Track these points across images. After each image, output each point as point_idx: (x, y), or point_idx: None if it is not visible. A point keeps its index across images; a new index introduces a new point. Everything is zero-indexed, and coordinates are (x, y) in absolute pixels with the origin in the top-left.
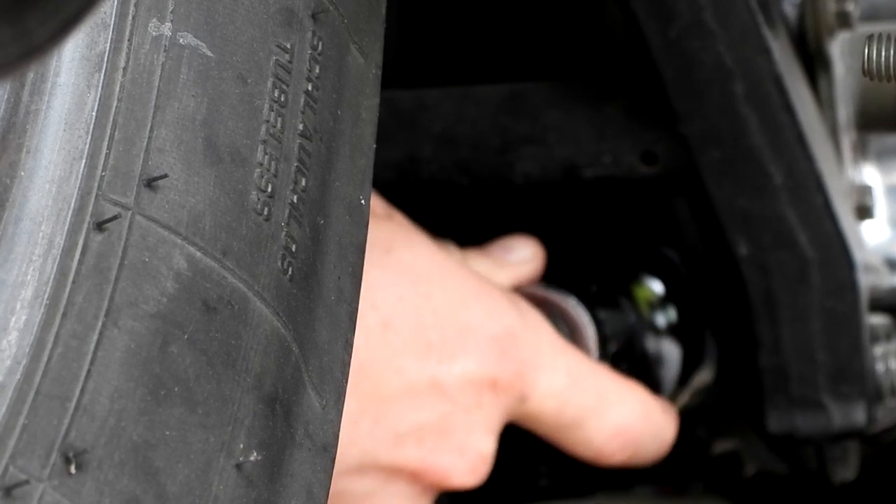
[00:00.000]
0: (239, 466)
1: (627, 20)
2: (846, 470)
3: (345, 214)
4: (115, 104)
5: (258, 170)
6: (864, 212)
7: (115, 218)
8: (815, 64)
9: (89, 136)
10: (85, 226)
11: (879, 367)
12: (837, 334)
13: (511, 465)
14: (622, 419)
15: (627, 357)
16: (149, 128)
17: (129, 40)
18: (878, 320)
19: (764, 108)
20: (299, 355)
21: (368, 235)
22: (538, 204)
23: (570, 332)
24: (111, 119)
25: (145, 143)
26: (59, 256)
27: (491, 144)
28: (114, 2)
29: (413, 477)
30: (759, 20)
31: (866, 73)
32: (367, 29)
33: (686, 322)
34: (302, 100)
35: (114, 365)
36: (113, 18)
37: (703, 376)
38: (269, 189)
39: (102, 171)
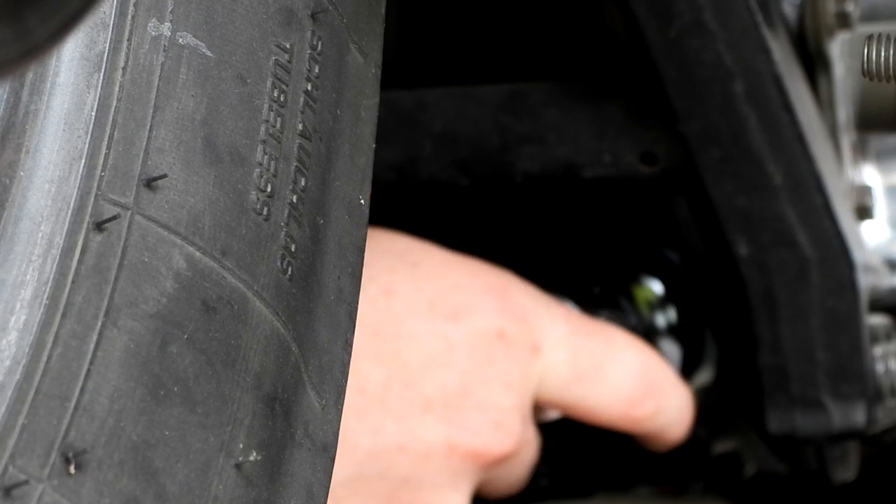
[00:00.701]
0: (238, 466)
1: (627, 20)
2: (846, 470)
3: (344, 214)
4: (114, 104)
5: (258, 170)
6: (863, 212)
7: (114, 218)
8: (814, 64)
9: (89, 136)
10: (84, 226)
11: (879, 367)
12: (837, 334)
13: None
14: (639, 360)
15: None
16: (148, 128)
17: (128, 40)
18: (878, 320)
19: (764, 108)
20: (299, 355)
21: None
22: (538, 204)
23: None
24: (110, 119)
25: (145, 143)
26: (58, 256)
27: (491, 144)
28: (113, 2)
29: (448, 449)
30: (758, 20)
31: (866, 73)
32: (366, 29)
33: (686, 322)
34: (301, 99)
35: (113, 365)
36: (112, 18)
37: (703, 376)
38: (269, 189)
39: (102, 171)
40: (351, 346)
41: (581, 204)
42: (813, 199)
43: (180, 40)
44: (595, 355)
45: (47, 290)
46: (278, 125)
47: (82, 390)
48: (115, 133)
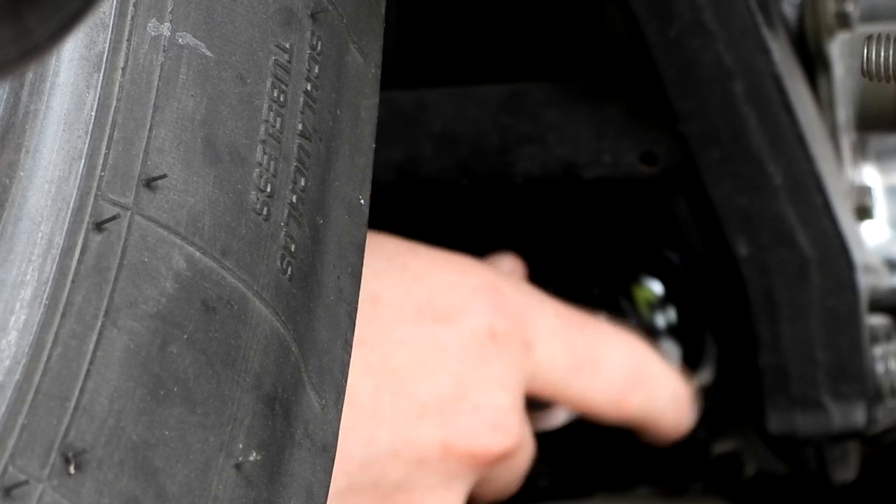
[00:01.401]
0: (238, 466)
1: (627, 20)
2: (846, 470)
3: (344, 214)
4: (114, 104)
5: (257, 170)
6: (863, 212)
7: (114, 218)
8: (814, 64)
9: (88, 136)
10: (84, 226)
11: (879, 367)
12: (837, 334)
13: None
14: (630, 352)
15: None
16: (148, 128)
17: (128, 40)
18: (878, 321)
19: (763, 108)
20: (299, 355)
21: None
22: (538, 204)
23: None
24: (110, 119)
25: (144, 143)
26: (58, 256)
27: (491, 144)
28: (113, 2)
29: (444, 453)
30: (758, 20)
31: (865, 73)
32: (366, 29)
33: (686, 322)
34: (301, 100)
35: (113, 365)
36: (112, 18)
37: (703, 376)
38: (269, 189)
39: (101, 171)
40: (351, 346)
41: (581, 204)
42: (813, 200)
43: (180, 40)
44: (587, 348)
45: (47, 290)
46: (278, 125)
47: (82, 390)
48: (115, 133)
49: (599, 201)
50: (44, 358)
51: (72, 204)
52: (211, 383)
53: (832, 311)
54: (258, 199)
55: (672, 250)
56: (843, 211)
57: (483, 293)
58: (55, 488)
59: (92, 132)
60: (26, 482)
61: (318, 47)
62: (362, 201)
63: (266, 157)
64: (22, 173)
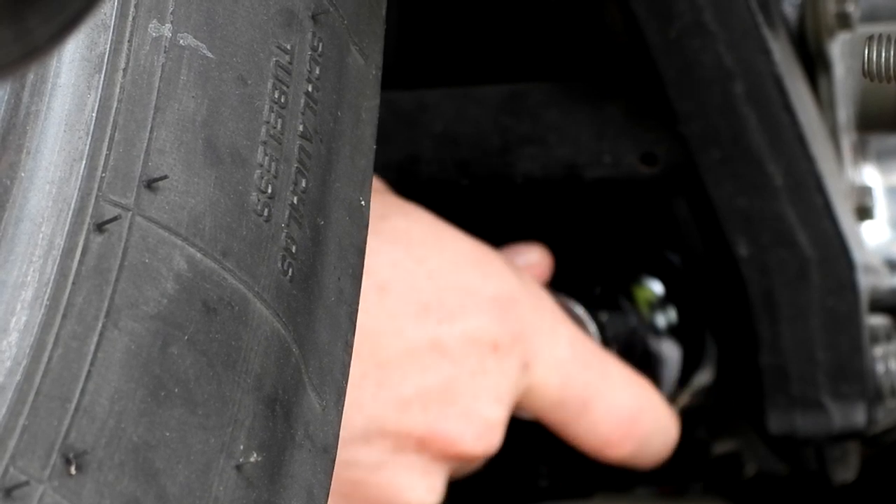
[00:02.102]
0: (239, 467)
1: (627, 20)
2: (846, 470)
3: (345, 215)
4: (115, 105)
5: (258, 171)
6: (864, 212)
7: (115, 219)
8: (815, 64)
9: (89, 138)
10: (85, 227)
11: (879, 367)
12: (837, 334)
13: (511, 465)
14: (629, 404)
15: (628, 359)
16: (149, 129)
17: (129, 41)
18: (878, 321)
19: (764, 109)
20: (299, 356)
21: None
22: (538, 205)
23: None
24: (111, 120)
25: (145, 145)
26: (59, 257)
27: (491, 145)
28: (114, 3)
29: (420, 444)
30: (759, 20)
31: (866, 73)
32: (367, 30)
33: (686, 322)
34: (302, 101)
35: (114, 366)
36: (113, 19)
37: (703, 376)
38: (270, 190)
39: (102, 173)
40: (351, 348)
41: (581, 204)
42: (813, 200)
43: (181, 41)
44: (584, 388)
45: (48, 291)
46: (279, 126)
47: (83, 391)
48: (116, 134)
49: (600, 202)
50: (45, 359)
51: (73, 205)
52: (212, 384)
53: (832, 312)
54: (259, 200)
55: (672, 251)
56: (844, 211)
57: (497, 304)
58: (56, 489)
59: (93, 133)
60: (27, 483)
61: (319, 48)
62: (363, 202)
63: (267, 158)
64: (23, 174)
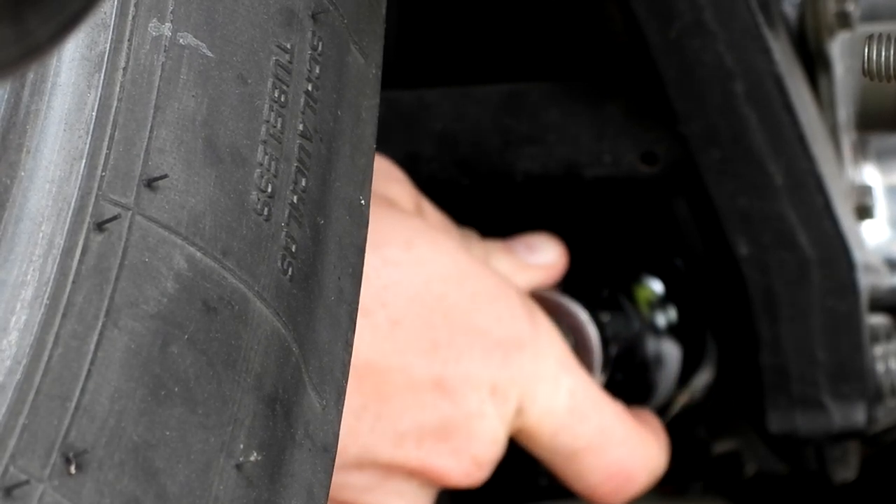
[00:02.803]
0: (239, 467)
1: (627, 20)
2: (846, 470)
3: (345, 215)
4: (115, 104)
5: (258, 170)
6: (864, 212)
7: (115, 218)
8: (815, 64)
9: (89, 137)
10: (85, 226)
11: (879, 367)
12: (837, 334)
13: (511, 465)
14: (623, 461)
15: (628, 359)
16: (149, 128)
17: (129, 40)
18: (878, 320)
19: (764, 108)
20: (299, 355)
21: (391, 229)
22: (538, 204)
23: (576, 342)
24: (111, 119)
25: (145, 144)
26: (59, 257)
27: (491, 144)
28: (114, 2)
29: (410, 474)
30: (759, 20)
31: (866, 73)
32: (367, 29)
33: (686, 322)
34: (302, 100)
35: (114, 365)
36: (113, 18)
37: (704, 376)
38: (270, 189)
39: (102, 172)
40: (351, 347)
41: (581, 204)
42: (813, 200)
43: (181, 41)
44: (577, 440)
45: (48, 290)
46: (279, 125)
47: (83, 390)
48: (116, 133)
49: (600, 201)
50: (45, 358)
51: (73, 204)
52: (212, 384)
53: (832, 311)
54: (259, 199)
55: (673, 250)
56: (844, 211)
57: (501, 349)
58: (56, 488)
59: (93, 132)
60: (27, 482)
61: (319, 48)
62: (363, 202)
63: (267, 157)
64: (23, 173)
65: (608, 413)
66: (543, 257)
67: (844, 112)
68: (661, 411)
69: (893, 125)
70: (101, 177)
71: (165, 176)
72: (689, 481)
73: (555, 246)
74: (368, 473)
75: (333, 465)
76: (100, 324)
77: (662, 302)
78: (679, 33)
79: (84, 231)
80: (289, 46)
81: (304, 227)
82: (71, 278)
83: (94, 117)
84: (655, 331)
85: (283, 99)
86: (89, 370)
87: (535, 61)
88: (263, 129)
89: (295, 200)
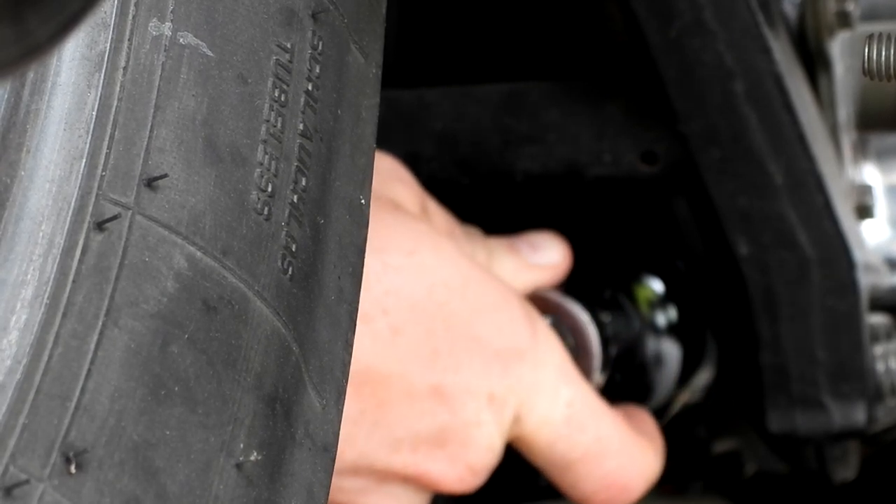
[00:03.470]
0: (239, 466)
1: (627, 20)
2: (846, 470)
3: (345, 214)
4: (115, 104)
5: (258, 169)
6: (864, 211)
7: (115, 217)
8: (815, 63)
9: (89, 136)
10: (85, 225)
11: (879, 366)
12: (838, 333)
13: (511, 465)
14: (618, 471)
15: (628, 359)
16: (149, 127)
17: (129, 40)
18: (878, 320)
19: (764, 108)
20: (299, 355)
21: (394, 234)
22: (538, 203)
23: (576, 343)
24: (111, 119)
25: (145, 143)
26: (59, 256)
27: (491, 143)
28: (114, 1)
29: (405, 479)
30: (759, 20)
31: (866, 72)
32: (367, 28)
33: (686, 321)
34: (302, 99)
35: (114, 364)
36: (113, 18)
37: (704, 376)
38: (270, 189)
39: (102, 171)
40: (352, 346)
41: (581, 203)
42: (814, 199)
43: (181, 40)
44: (573, 451)
45: (48, 289)
46: (279, 125)
47: (83, 390)
48: (116, 133)
49: (600, 200)
50: (45, 357)
51: (73, 203)
52: (212, 383)
53: (832, 311)
54: (259, 198)
55: (673, 250)
56: (844, 210)
57: (501, 359)
58: (56, 488)
59: (93, 132)
60: (27, 482)
61: (320, 47)
62: (363, 201)
63: (267, 156)
64: (23, 172)
65: (606, 423)
66: (547, 257)
67: (844, 111)
68: (661, 411)
69: (893, 125)
70: (102, 176)
71: (165, 175)
72: (689, 481)
73: (559, 245)
74: (364, 478)
75: (333, 465)
76: (100, 323)
77: (663, 301)
78: (679, 33)
79: (84, 230)
80: (289, 46)
81: (304, 226)
82: (71, 278)
83: (94, 117)
84: (655, 330)
85: (283, 98)
86: (89, 369)
87: (536, 61)
88: (263, 128)
89: (295, 200)
